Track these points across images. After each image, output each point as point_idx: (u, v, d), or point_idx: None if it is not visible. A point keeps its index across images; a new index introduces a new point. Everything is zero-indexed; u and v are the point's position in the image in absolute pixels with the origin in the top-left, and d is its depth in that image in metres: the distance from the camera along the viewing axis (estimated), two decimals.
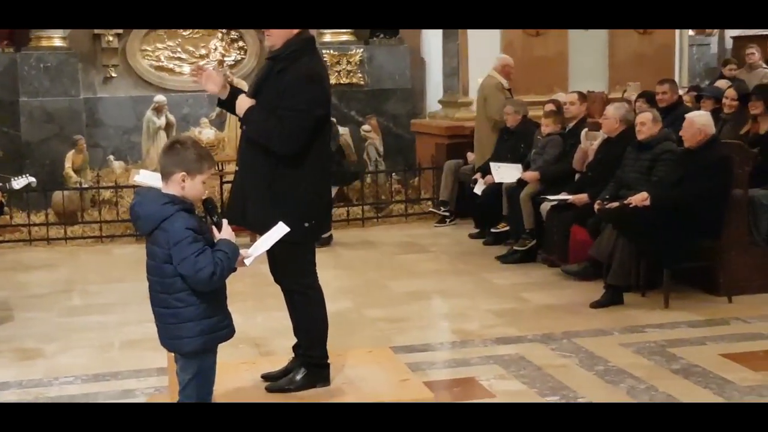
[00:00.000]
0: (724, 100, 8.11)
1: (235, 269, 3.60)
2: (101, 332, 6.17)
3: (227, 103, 4.33)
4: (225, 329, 3.62)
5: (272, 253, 4.11)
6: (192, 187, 3.53)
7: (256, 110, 4.23)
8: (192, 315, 3.51)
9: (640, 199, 6.40)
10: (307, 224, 4.20)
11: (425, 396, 4.22)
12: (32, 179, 7.55)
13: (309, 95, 4.18)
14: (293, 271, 4.34)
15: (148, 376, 5.24)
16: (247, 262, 3.68)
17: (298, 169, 4.20)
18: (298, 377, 4.33)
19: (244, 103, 4.25)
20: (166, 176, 3.55)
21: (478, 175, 8.96)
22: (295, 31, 4.26)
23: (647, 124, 6.89)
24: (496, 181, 8.39)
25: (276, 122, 4.16)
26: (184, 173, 3.51)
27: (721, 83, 9.27)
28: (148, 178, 4.18)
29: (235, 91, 4.33)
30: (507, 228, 8.37)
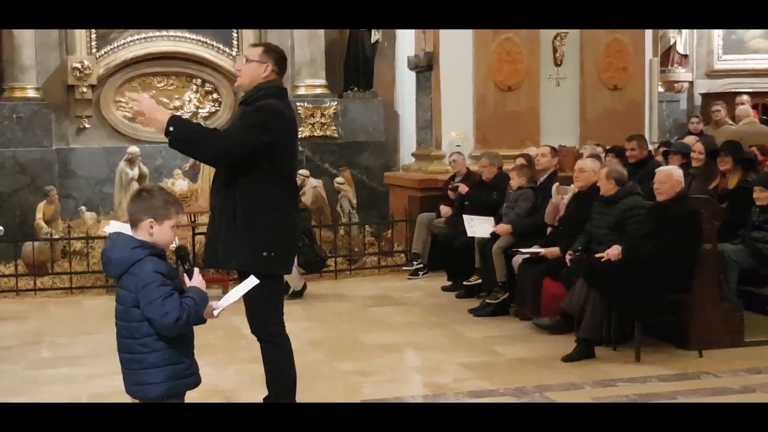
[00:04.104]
0: (692, 154, 8.22)
1: (204, 321, 3.59)
2: (69, 385, 6.08)
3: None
4: (191, 376, 3.60)
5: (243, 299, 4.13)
6: (161, 232, 3.55)
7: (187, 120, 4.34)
8: (157, 360, 3.50)
9: (614, 254, 6.42)
10: (265, 254, 4.31)
11: None
12: (0, 229, 7.50)
13: (261, 119, 4.29)
14: (260, 316, 4.35)
15: None
16: (215, 313, 3.68)
17: (259, 202, 4.32)
18: None
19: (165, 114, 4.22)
20: (134, 224, 3.57)
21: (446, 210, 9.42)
22: (265, 74, 4.37)
23: (602, 179, 6.97)
24: (469, 234, 8.41)
25: (212, 131, 4.34)
26: (151, 220, 3.53)
27: (690, 139, 9.41)
28: (118, 228, 4.17)
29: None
30: (479, 281, 8.38)
